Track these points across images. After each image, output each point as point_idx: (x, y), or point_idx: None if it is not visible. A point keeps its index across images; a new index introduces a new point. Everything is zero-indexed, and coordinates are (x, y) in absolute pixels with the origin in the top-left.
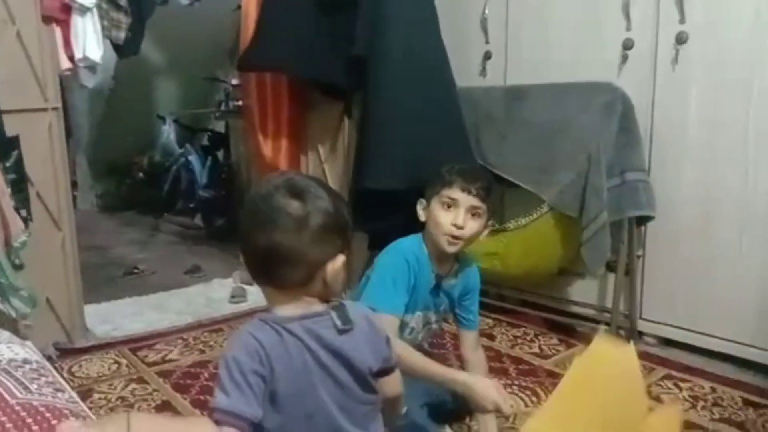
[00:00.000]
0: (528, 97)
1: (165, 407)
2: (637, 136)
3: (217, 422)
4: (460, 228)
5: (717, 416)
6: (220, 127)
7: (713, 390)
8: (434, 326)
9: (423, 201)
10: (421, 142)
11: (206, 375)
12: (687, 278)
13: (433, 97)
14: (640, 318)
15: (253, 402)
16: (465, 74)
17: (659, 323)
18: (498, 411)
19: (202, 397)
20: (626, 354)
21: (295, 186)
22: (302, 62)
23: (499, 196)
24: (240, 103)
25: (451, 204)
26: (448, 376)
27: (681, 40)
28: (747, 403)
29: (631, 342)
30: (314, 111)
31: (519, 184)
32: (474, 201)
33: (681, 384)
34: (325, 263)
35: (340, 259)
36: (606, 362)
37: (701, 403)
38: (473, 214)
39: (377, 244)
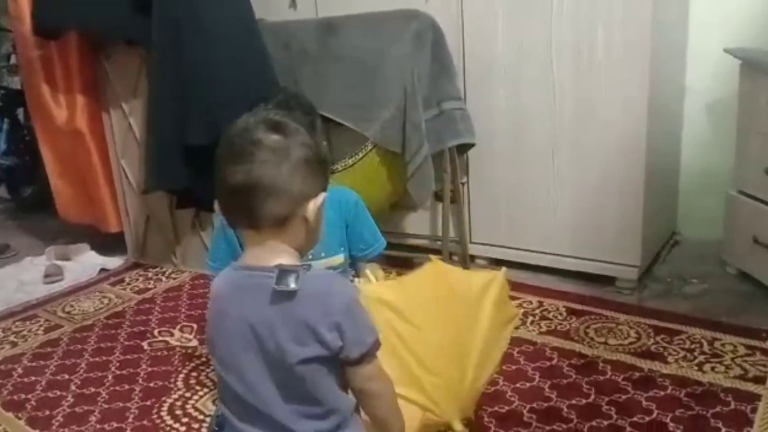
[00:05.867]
0: (340, 30)
1: None
2: (450, 64)
3: None
4: None
5: (544, 329)
6: (15, 83)
7: (540, 304)
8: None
9: None
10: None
11: (20, 371)
12: (509, 200)
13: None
14: (471, 242)
15: None
16: (274, 8)
17: (488, 245)
18: None
19: (15, 398)
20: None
21: (273, 120)
22: (88, 14)
23: (325, 137)
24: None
25: None
26: None
27: None
28: (570, 312)
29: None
30: (110, 60)
31: (342, 123)
32: None
33: (512, 302)
34: (307, 200)
35: (322, 197)
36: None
37: (530, 319)
38: None
39: (185, 203)
